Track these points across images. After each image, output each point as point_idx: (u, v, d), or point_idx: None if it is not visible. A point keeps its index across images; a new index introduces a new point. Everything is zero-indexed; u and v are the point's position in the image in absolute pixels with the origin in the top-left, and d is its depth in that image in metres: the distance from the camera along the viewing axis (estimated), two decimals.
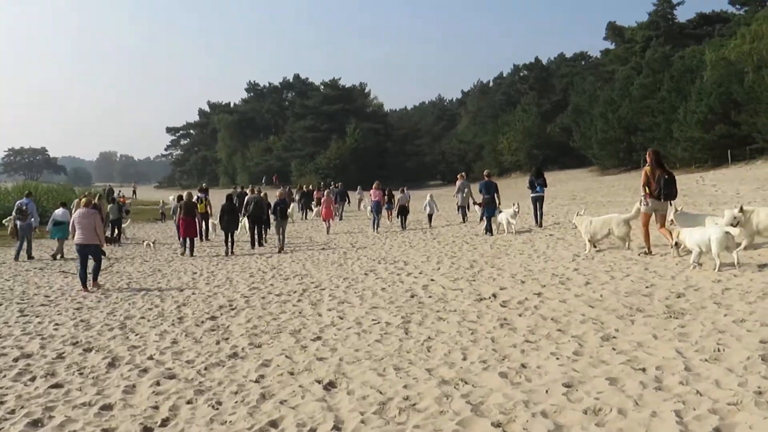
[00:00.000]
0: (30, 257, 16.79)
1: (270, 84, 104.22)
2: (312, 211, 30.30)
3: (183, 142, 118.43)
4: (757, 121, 36.59)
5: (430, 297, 8.85)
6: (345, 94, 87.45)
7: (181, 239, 17.26)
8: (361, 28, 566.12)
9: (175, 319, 8.66)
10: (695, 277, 8.29)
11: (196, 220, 17.74)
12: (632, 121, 49.10)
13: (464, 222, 20.62)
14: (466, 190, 21.30)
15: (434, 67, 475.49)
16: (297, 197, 32.96)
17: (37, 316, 9.33)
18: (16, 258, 16.62)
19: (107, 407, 5.31)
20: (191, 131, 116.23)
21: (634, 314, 6.72)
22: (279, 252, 16.48)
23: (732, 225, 9.32)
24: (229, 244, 16.77)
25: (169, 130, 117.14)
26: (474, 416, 4.43)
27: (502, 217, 16.29)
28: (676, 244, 9.55)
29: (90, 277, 11.70)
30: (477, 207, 19.04)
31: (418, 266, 12.01)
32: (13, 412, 5.30)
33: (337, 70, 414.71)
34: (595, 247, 11.72)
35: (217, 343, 7.24)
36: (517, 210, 16.14)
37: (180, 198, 19.28)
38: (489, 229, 16.37)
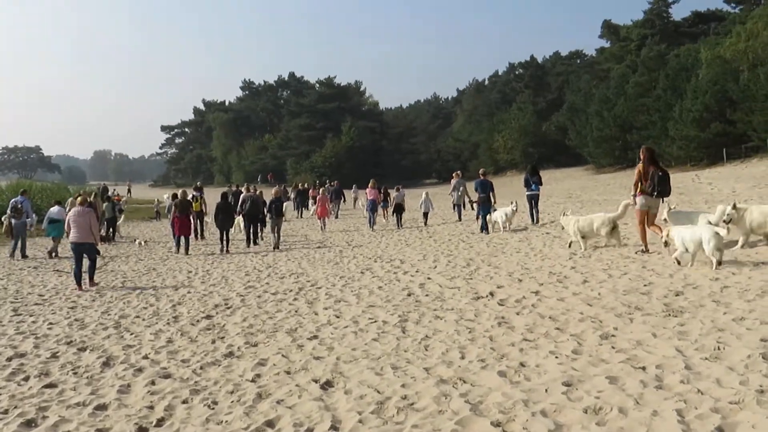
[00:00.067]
0: (24, 256, 16.73)
1: (265, 82, 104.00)
2: (308, 209, 30.29)
3: (178, 140, 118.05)
4: (753, 120, 36.65)
5: (427, 295, 8.81)
6: (340, 92, 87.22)
7: (175, 238, 17.20)
8: (360, 28, 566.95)
9: (170, 318, 8.61)
10: (693, 275, 8.26)
11: (191, 219, 17.69)
12: (628, 119, 49.14)
13: (460, 220, 20.60)
14: (461, 188, 21.27)
15: (430, 66, 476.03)
16: (292, 195, 32.94)
17: (31, 315, 9.28)
18: (12, 255, 16.57)
19: (102, 407, 5.26)
20: (186, 129, 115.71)
21: (633, 312, 6.69)
22: (274, 250, 16.43)
23: (724, 221, 9.29)
24: (224, 242, 16.74)
25: (164, 128, 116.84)
26: (473, 415, 4.39)
27: (497, 216, 16.27)
28: (666, 243, 9.43)
29: (85, 276, 11.66)
30: (474, 206, 19.01)
31: (415, 264, 11.97)
32: (6, 412, 5.25)
33: (333, 69, 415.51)
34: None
35: (213, 342, 7.19)
36: (515, 209, 16.11)
37: (175, 196, 19.21)
38: (485, 228, 16.35)
